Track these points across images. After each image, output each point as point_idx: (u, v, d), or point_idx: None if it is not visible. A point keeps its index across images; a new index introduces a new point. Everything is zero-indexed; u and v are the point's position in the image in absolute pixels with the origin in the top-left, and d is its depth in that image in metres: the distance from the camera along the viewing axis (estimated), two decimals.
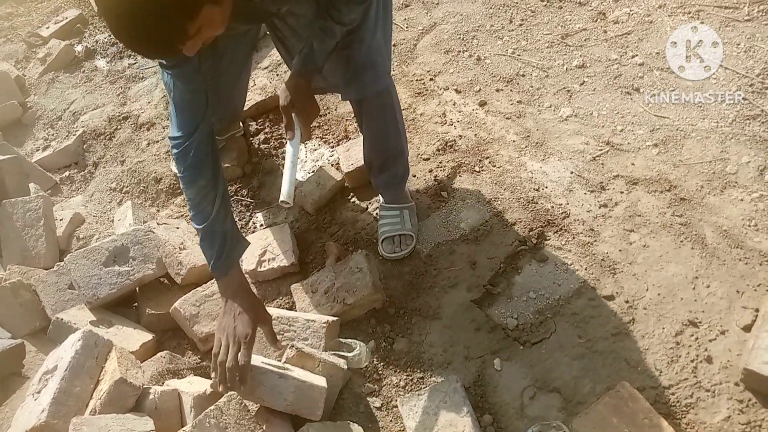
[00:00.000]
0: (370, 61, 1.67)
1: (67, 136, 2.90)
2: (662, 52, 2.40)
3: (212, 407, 1.41)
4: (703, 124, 2.13)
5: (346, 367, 1.67)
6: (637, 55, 2.43)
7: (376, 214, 2.11)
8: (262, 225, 2.24)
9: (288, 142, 1.57)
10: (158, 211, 2.42)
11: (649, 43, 2.46)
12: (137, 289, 2.02)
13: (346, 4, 1.50)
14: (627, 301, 1.74)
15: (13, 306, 1.96)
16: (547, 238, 1.93)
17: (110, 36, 3.46)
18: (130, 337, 1.86)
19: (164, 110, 2.84)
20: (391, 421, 1.66)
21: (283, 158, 2.43)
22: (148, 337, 1.89)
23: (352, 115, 2.47)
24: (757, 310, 1.63)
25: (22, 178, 2.52)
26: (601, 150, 2.13)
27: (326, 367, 1.63)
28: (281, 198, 1.50)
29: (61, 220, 2.39)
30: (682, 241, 1.83)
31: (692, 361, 1.59)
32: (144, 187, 2.52)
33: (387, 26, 1.75)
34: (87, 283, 1.92)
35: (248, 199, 2.34)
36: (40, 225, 2.23)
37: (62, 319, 1.88)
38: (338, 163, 2.28)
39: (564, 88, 2.39)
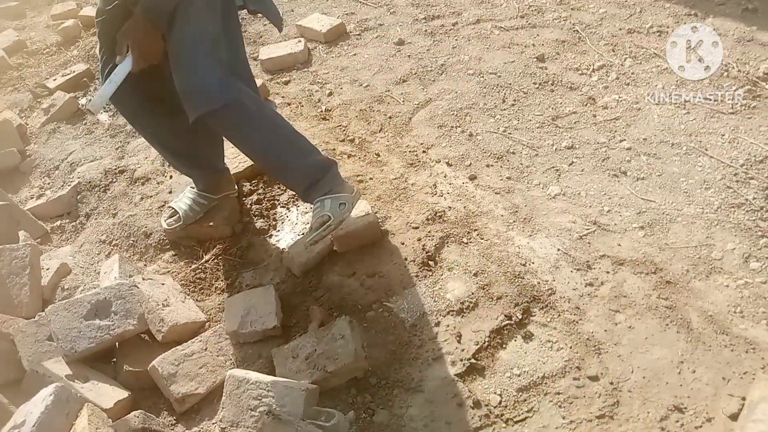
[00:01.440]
0: (190, 90, 1.84)
1: (62, 185, 2.92)
2: (649, 138, 2.48)
3: None
4: (688, 209, 2.17)
5: None
6: (624, 139, 2.50)
7: (363, 281, 2.11)
8: (248, 285, 2.22)
9: (119, 64, 1.74)
10: (145, 266, 2.41)
11: (637, 129, 2.55)
12: (117, 344, 1.98)
13: None
14: (612, 383, 1.72)
15: None
16: (533, 314, 1.93)
17: None
18: (105, 394, 1.82)
19: (160, 166, 2.88)
20: None
21: (274, 219, 2.46)
22: (123, 394, 1.84)
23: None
24: (743, 399, 1.62)
25: (12, 225, 2.52)
26: (588, 229, 2.17)
27: None
28: (87, 105, 1.64)
29: (47, 269, 2.37)
30: (667, 325, 1.83)
31: None
32: (133, 241, 2.52)
33: (222, 50, 1.89)
34: (66, 335, 1.89)
35: (236, 259, 2.33)
36: (26, 273, 2.21)
37: (38, 371, 1.83)
38: None
39: (553, 167, 2.46)
